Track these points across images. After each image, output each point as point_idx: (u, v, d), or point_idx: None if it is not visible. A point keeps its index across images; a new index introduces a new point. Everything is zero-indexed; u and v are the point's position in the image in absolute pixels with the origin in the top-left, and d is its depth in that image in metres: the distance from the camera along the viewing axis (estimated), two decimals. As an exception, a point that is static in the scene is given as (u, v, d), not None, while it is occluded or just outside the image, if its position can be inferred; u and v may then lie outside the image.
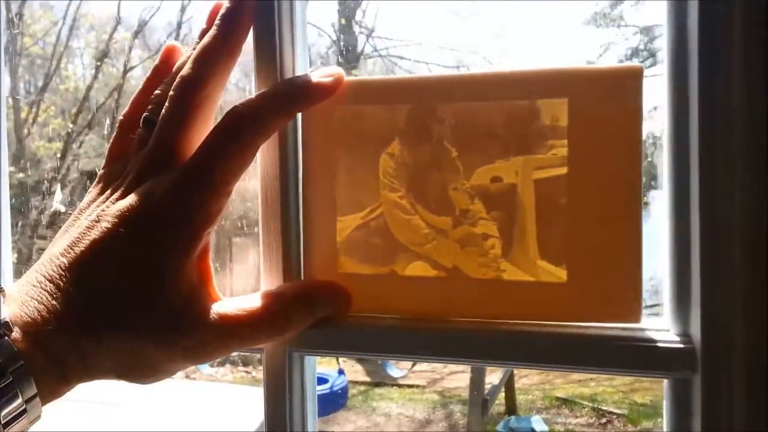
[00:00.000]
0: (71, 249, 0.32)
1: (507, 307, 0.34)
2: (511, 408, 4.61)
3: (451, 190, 0.34)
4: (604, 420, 4.63)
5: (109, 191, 0.34)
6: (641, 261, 0.32)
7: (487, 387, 4.16)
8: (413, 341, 0.35)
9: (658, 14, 0.35)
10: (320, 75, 0.35)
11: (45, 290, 0.31)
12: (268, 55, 0.36)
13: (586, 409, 4.75)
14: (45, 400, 0.30)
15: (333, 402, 4.31)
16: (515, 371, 4.48)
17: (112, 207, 0.32)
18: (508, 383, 4.57)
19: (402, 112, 0.35)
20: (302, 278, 0.37)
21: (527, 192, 0.33)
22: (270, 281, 0.37)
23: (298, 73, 0.36)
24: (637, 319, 0.32)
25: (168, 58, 0.38)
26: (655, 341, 0.32)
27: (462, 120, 0.34)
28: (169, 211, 0.32)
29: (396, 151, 0.35)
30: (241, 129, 0.33)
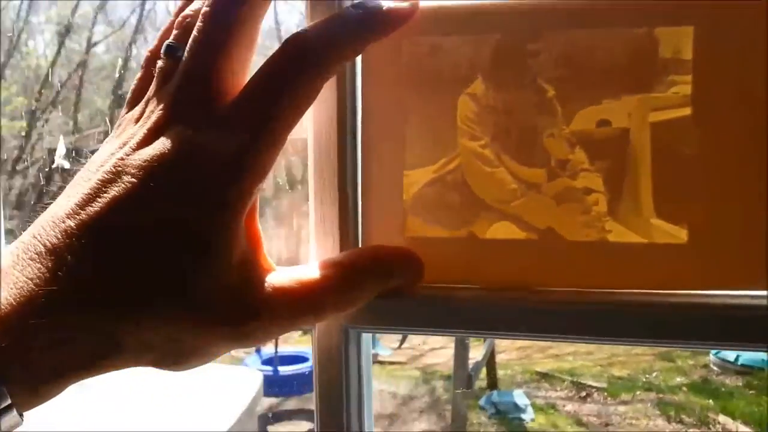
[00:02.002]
0: (81, 209, 0.25)
1: (613, 274, 0.29)
2: (493, 383, 4.64)
3: (547, 137, 0.29)
4: (583, 393, 4.69)
5: (128, 137, 0.27)
6: (776, 219, 0.27)
7: (470, 363, 4.16)
8: (497, 316, 0.30)
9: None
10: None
11: (44, 265, 0.24)
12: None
13: (566, 383, 4.80)
14: (26, 407, 0.24)
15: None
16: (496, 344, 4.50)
17: (135, 155, 0.26)
18: (490, 359, 4.59)
19: (488, 44, 0.29)
20: (361, 243, 0.32)
21: (642, 137, 0.28)
22: (323, 247, 0.32)
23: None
24: (766, 285, 0.28)
25: None
26: (792, 312, 0.27)
27: (561, 52, 0.28)
28: (214, 160, 0.26)
29: (479, 91, 0.30)
30: (309, 60, 0.27)
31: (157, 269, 0.25)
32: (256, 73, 0.27)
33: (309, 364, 4.16)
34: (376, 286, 0.30)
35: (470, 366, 4.13)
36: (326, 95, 0.31)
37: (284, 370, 4.04)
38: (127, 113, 0.29)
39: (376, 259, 0.30)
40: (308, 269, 0.28)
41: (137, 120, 0.28)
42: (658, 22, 0.27)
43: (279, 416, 4.04)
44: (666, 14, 0.27)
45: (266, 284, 0.27)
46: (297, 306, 0.28)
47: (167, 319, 0.25)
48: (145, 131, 0.27)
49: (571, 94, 0.29)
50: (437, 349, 5.09)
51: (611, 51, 0.28)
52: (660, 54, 0.28)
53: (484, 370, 4.66)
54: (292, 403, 4.26)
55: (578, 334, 0.29)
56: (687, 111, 0.27)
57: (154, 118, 0.27)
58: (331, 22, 0.28)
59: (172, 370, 0.27)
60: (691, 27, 0.27)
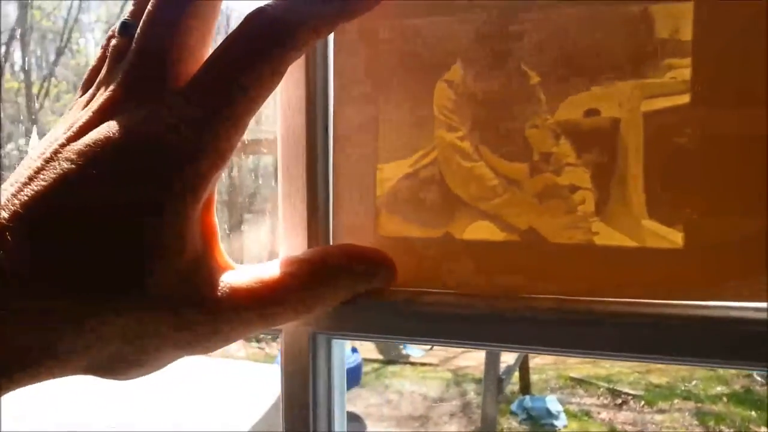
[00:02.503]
0: (15, 198, 0.23)
1: (600, 281, 0.26)
2: (525, 388, 4.57)
3: (530, 128, 0.26)
4: (619, 400, 4.58)
5: (73, 121, 0.25)
6: (786, 222, 0.24)
7: (502, 366, 4.10)
8: (475, 324, 0.27)
9: None
10: None
11: None
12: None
13: (601, 390, 4.69)
14: None
15: (347, 380, 4.29)
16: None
17: (79, 141, 0.24)
18: (523, 363, 4.52)
19: (468, 26, 0.27)
20: (332, 242, 0.30)
21: (634, 129, 0.25)
22: (291, 245, 0.30)
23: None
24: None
25: None
26: (804, 328, 0.24)
27: (546, 35, 0.26)
28: (166, 143, 0.24)
29: (457, 78, 0.27)
30: (273, 38, 0.24)
31: (99, 260, 0.23)
32: (215, 49, 0.25)
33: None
34: (345, 287, 0.27)
35: (502, 369, 4.07)
36: (294, 81, 0.29)
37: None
38: (80, 97, 0.27)
39: (344, 259, 0.28)
40: (271, 267, 0.26)
41: (87, 104, 0.26)
42: (653, -1, 0.24)
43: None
44: (662, -10, 0.24)
45: (222, 284, 0.25)
46: (258, 307, 0.25)
47: (108, 319, 0.23)
48: (91, 114, 0.25)
49: (557, 81, 0.26)
50: (469, 352, 5.04)
51: (601, 32, 0.25)
52: (656, 34, 0.25)
53: (516, 375, 4.59)
54: (322, 402, 4.27)
55: (561, 347, 0.26)
56: (685, 99, 0.24)
57: (101, 99, 0.25)
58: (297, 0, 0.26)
59: (112, 378, 0.25)
60: (690, 2, 0.24)
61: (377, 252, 0.28)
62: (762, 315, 0.24)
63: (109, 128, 0.24)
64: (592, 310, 0.26)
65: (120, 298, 0.23)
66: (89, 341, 0.23)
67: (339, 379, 0.31)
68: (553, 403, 4.31)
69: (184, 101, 0.24)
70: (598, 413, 4.45)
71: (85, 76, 0.28)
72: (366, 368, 4.72)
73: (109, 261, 0.23)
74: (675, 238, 0.25)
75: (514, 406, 4.36)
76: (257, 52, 0.24)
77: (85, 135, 0.24)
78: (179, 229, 0.24)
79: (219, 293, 0.25)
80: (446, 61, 0.27)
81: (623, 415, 4.40)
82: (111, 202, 0.23)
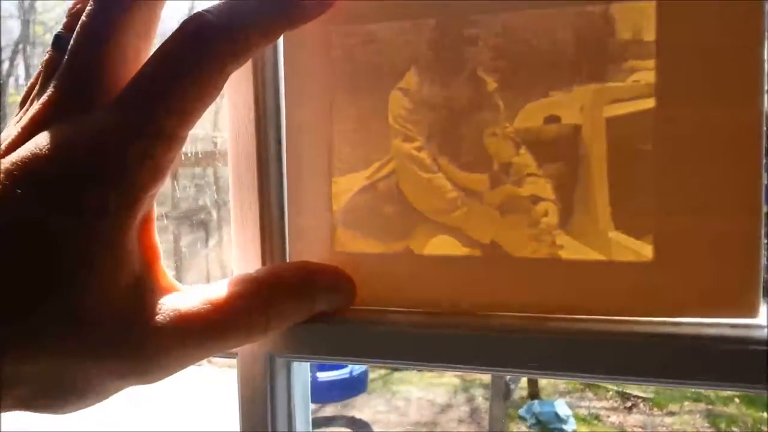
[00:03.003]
0: None
1: (566, 297, 0.25)
2: (534, 392, 4.53)
3: (488, 137, 0.25)
4: (629, 403, 4.54)
5: (4, 139, 0.24)
6: (760, 230, 0.22)
7: (509, 371, 4.07)
8: (436, 345, 0.26)
9: None
10: None
11: None
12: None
13: (611, 393, 4.65)
14: None
15: (353, 387, 4.27)
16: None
17: (5, 160, 0.23)
18: (531, 367, 4.49)
19: (422, 30, 0.25)
20: (287, 260, 0.28)
21: (597, 135, 0.24)
22: (244, 264, 0.28)
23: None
24: (752, 312, 0.23)
25: None
26: (782, 345, 0.22)
27: (504, 38, 0.24)
28: (95, 160, 0.22)
29: (412, 85, 0.26)
30: (209, 47, 0.23)
31: (23, 295, 0.22)
32: (148, 59, 0.24)
33: (348, 370, 4.14)
34: (302, 307, 0.26)
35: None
36: (243, 90, 0.27)
37: (323, 376, 4.04)
38: (16, 114, 0.26)
39: (300, 277, 0.26)
40: (220, 287, 0.25)
41: (20, 120, 0.25)
42: (613, -3, 0.23)
43: (317, 423, 4.04)
44: (623, -12, 0.23)
45: (165, 307, 0.24)
46: (207, 332, 0.24)
47: (41, 355, 0.22)
48: (20, 129, 0.24)
49: (515, 87, 0.24)
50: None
51: (559, 34, 0.24)
52: (617, 35, 0.23)
53: (525, 379, 4.56)
54: (330, 410, 4.25)
55: (526, 368, 0.24)
56: (650, 103, 0.23)
57: (30, 114, 0.24)
58: (239, 4, 0.24)
59: (46, 412, 0.23)
60: (653, 1, 0.23)
61: (335, 269, 0.27)
62: (737, 332, 0.22)
63: (35, 144, 0.23)
64: (558, 328, 0.24)
65: (51, 325, 0.22)
66: (18, 373, 0.22)
67: (302, 404, 0.29)
68: (561, 407, 4.27)
69: (113, 116, 0.23)
70: (608, 417, 4.41)
71: (23, 95, 0.27)
72: (372, 375, 4.69)
73: (38, 285, 0.22)
74: (644, 250, 0.23)
75: (522, 411, 4.33)
76: (191, 61, 0.23)
77: (13, 152, 0.23)
78: (113, 249, 0.23)
79: (161, 318, 0.23)
80: (400, 67, 0.26)
81: (633, 418, 4.36)
82: (37, 223, 0.22)
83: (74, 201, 0.22)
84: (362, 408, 4.42)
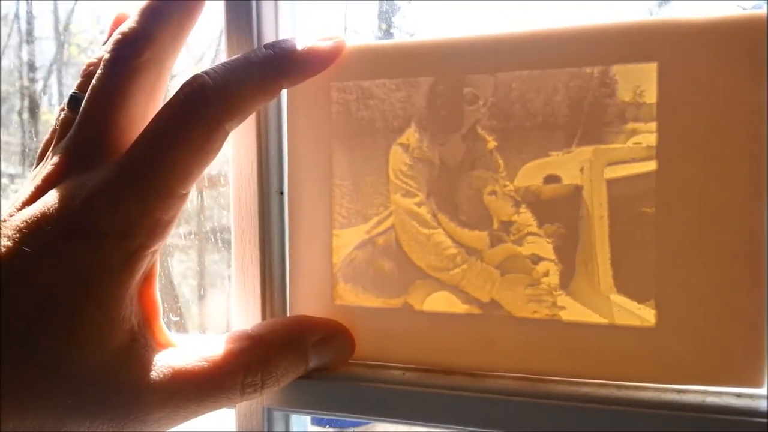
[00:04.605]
0: None
1: (566, 360, 0.24)
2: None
3: (488, 195, 0.25)
4: None
5: (20, 196, 0.25)
6: (765, 296, 0.22)
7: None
8: (435, 403, 0.25)
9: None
10: (315, 39, 0.26)
11: None
12: (242, 13, 0.27)
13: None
14: None
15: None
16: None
17: (16, 216, 0.23)
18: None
19: (421, 88, 0.25)
20: (287, 313, 0.28)
21: (597, 197, 0.23)
22: (244, 317, 0.28)
23: (282, 37, 0.27)
24: (757, 382, 0.22)
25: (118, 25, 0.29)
26: (789, 417, 0.21)
27: (503, 97, 0.24)
28: (98, 220, 0.23)
29: (412, 141, 0.26)
30: (206, 107, 0.23)
31: (27, 350, 0.22)
32: (151, 120, 0.24)
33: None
34: (298, 362, 0.26)
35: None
36: (246, 146, 0.27)
37: None
38: (33, 169, 0.27)
39: (298, 332, 0.26)
40: (216, 344, 0.25)
41: (35, 177, 0.25)
42: (614, 58, 0.23)
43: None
44: (624, 49, 0.23)
45: (160, 365, 0.24)
46: (204, 388, 0.24)
47: (30, 399, 0.22)
48: (33, 188, 0.24)
49: (515, 146, 0.24)
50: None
51: (559, 95, 0.24)
52: (618, 97, 0.23)
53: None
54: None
55: (524, 431, 0.24)
56: (651, 165, 0.23)
57: (44, 173, 0.24)
58: (237, 63, 0.24)
59: None
60: (654, 64, 0.23)
61: (331, 324, 0.27)
62: (747, 403, 0.22)
63: (45, 203, 0.23)
64: (557, 392, 0.24)
65: (39, 381, 0.22)
66: (5, 430, 0.22)
67: (299, 456, 0.29)
68: None
69: (117, 173, 0.23)
70: None
71: (39, 150, 0.27)
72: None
73: (30, 341, 0.22)
74: (647, 315, 0.23)
75: None
76: (190, 122, 0.23)
77: (24, 209, 0.23)
78: (110, 308, 0.23)
79: (155, 375, 0.23)
80: (401, 123, 0.26)
81: None
82: (37, 280, 0.22)
83: (69, 257, 0.22)
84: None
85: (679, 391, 0.23)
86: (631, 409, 0.23)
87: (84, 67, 0.27)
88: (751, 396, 0.22)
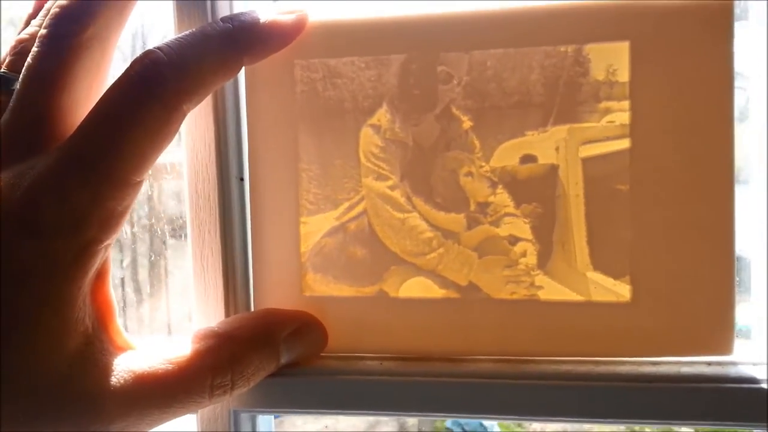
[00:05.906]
0: None
1: (545, 339, 0.24)
2: (459, 403, 4.58)
3: (464, 176, 0.24)
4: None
5: None
6: (733, 269, 0.23)
7: (436, 384, 4.11)
8: (414, 392, 0.25)
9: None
10: (276, 13, 0.24)
11: None
12: (194, -14, 0.25)
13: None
14: None
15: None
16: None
17: None
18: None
19: (392, 66, 0.25)
20: (253, 307, 0.27)
21: (573, 176, 0.23)
22: (205, 314, 0.26)
23: (237, 10, 0.25)
24: (726, 349, 0.23)
25: None
26: (756, 381, 0.23)
27: (478, 76, 0.24)
28: (43, 213, 0.20)
29: (384, 122, 0.25)
30: (162, 86, 0.21)
31: None
32: (98, 101, 0.22)
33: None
34: (268, 360, 0.24)
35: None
36: (202, 129, 0.25)
37: None
38: None
39: (266, 327, 0.25)
40: (181, 344, 0.23)
41: None
42: (587, 37, 0.23)
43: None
44: (597, 28, 0.23)
45: (120, 369, 0.22)
46: (170, 393, 0.22)
47: None
48: None
49: (490, 126, 0.24)
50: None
51: (534, 74, 0.23)
52: (591, 76, 0.23)
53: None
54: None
55: (509, 413, 0.24)
56: (625, 143, 0.23)
57: None
58: (193, 37, 0.22)
59: None
60: (626, 42, 0.23)
61: (302, 316, 0.25)
62: (717, 370, 0.23)
63: None
64: (537, 372, 0.24)
65: None
66: None
67: (266, 456, 0.27)
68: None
69: (62, 160, 0.21)
70: (530, 424, 4.52)
71: None
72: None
73: None
74: (622, 291, 0.23)
75: (449, 423, 4.37)
76: (143, 102, 0.21)
77: None
78: (61, 309, 0.20)
79: (115, 381, 0.21)
80: (371, 103, 0.25)
81: (554, 425, 4.49)
82: None
83: (12, 256, 0.20)
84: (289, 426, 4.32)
85: (655, 363, 0.24)
86: (610, 384, 0.23)
87: (14, 43, 0.24)
88: (720, 363, 0.23)
